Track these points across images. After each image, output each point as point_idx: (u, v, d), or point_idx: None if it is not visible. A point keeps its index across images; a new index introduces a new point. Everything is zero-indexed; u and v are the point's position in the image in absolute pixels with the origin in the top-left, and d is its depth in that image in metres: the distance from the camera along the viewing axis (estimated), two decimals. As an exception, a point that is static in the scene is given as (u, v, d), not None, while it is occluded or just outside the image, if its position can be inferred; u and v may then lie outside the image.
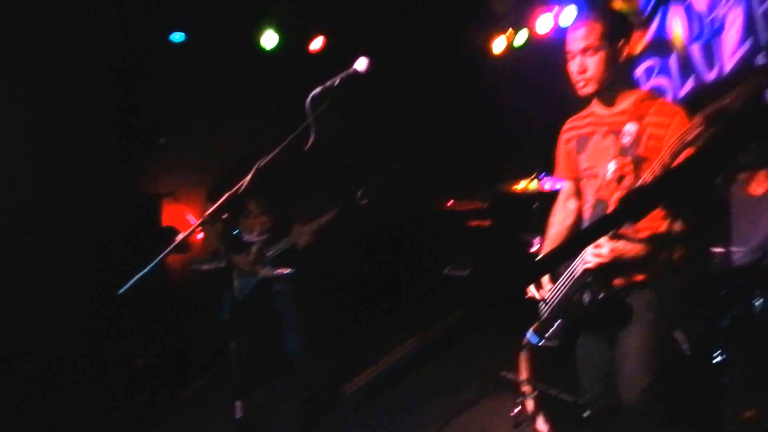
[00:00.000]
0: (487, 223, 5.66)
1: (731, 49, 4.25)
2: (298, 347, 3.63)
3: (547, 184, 3.84)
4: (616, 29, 2.30)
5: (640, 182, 2.14)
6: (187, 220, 5.15)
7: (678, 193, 1.71)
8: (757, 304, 2.92)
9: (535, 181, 3.86)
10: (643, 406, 2.24)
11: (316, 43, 5.25)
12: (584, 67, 2.28)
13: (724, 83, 4.21)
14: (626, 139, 2.21)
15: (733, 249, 3.53)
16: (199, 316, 4.73)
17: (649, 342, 2.26)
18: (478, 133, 5.66)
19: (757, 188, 3.55)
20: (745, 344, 2.73)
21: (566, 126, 2.54)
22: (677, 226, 2.21)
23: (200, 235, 4.23)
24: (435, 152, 5.44)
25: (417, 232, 5.78)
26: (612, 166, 2.26)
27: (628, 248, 2.21)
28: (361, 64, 2.28)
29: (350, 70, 2.30)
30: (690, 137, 1.98)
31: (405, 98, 5.44)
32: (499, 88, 5.76)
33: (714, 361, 2.77)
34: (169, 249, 2.47)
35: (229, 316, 3.25)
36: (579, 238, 2.17)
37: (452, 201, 5.83)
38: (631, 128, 2.21)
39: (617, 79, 2.32)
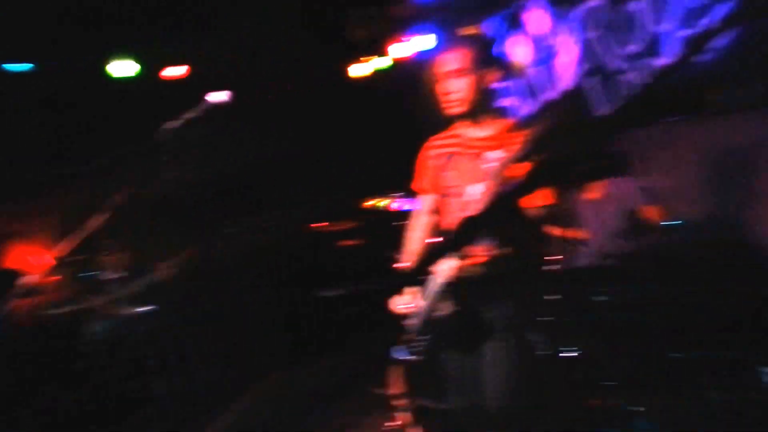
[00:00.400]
0: (357, 242, 5.77)
1: (568, 71, 4.74)
2: (166, 388, 3.47)
3: (397, 204, 3.97)
4: (484, 56, 2.46)
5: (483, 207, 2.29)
6: (32, 262, 4.75)
7: (506, 215, 1.87)
8: (599, 301, 3.24)
9: (388, 200, 3.99)
10: (508, 410, 2.40)
11: (172, 71, 5.11)
12: (453, 89, 2.41)
13: (559, 104, 4.68)
14: (492, 165, 2.35)
15: (580, 251, 3.90)
16: (55, 366, 4.36)
17: (507, 350, 2.42)
18: (342, 154, 5.79)
19: (593, 195, 3.96)
20: (584, 339, 3.01)
21: (432, 143, 2.63)
22: (514, 243, 2.39)
23: (52, 277, 3.92)
24: (303, 177, 5.49)
25: (289, 254, 5.75)
26: (480, 188, 2.39)
27: (476, 266, 2.37)
28: (219, 96, 2.28)
29: (209, 103, 2.28)
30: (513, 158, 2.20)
31: (267, 125, 5.45)
32: (361, 110, 5.95)
33: (564, 357, 3.03)
34: (11, 295, 2.29)
35: (89, 362, 3.05)
36: (434, 253, 2.30)
37: (324, 222, 5.90)
38: (496, 155, 2.36)
39: (484, 103, 2.47)
